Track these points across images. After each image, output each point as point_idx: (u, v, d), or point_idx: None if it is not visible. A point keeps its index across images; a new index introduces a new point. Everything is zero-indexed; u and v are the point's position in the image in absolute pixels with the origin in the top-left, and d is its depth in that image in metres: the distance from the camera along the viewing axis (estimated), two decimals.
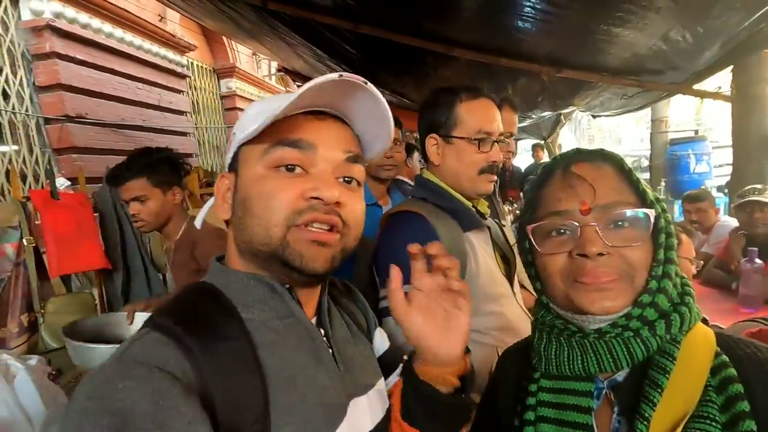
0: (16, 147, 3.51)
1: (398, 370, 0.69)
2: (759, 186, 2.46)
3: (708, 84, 3.18)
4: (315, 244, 0.55)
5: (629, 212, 0.56)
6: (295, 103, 0.52)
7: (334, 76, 0.51)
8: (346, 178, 0.59)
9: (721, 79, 3.08)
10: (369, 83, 0.55)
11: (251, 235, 0.55)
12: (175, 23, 5.26)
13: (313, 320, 0.63)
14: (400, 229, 1.05)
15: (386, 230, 1.08)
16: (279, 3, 2.89)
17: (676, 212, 4.17)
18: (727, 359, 0.52)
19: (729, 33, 2.32)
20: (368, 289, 1.15)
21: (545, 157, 6.65)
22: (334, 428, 0.55)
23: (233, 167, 0.60)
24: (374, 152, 0.65)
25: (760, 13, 2.09)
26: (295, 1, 2.87)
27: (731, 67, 2.83)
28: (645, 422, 0.51)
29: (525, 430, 0.61)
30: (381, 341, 0.75)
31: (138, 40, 4.65)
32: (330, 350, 0.60)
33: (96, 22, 4.05)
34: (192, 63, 6.09)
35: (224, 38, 6.42)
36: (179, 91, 5.43)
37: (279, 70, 7.19)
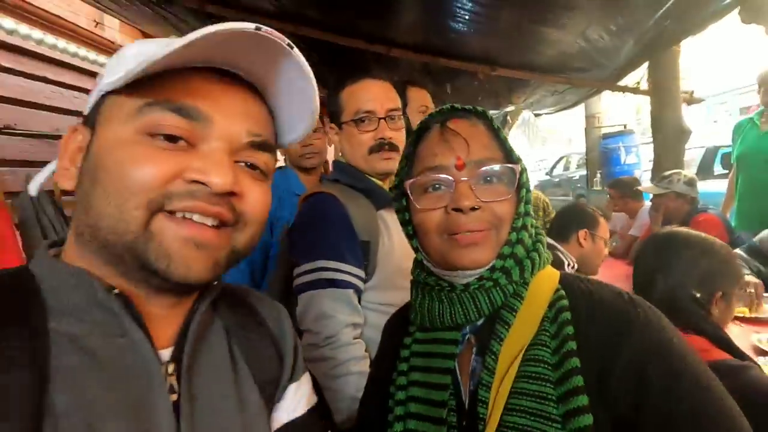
0: None
1: None
2: (678, 170, 2.66)
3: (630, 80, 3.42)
4: (190, 243, 0.41)
5: (498, 167, 0.59)
6: (182, 52, 0.39)
7: (249, 26, 0.40)
8: (248, 164, 0.46)
9: (639, 75, 3.32)
10: (295, 48, 0.43)
11: (98, 217, 0.40)
12: (114, 30, 5.07)
13: (169, 350, 0.44)
14: (313, 209, 1.07)
15: (301, 211, 1.11)
16: (218, 5, 2.87)
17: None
18: (564, 293, 0.58)
19: (639, 30, 2.52)
20: (290, 274, 1.17)
21: None
22: None
23: (91, 121, 0.44)
24: (295, 136, 0.52)
25: (663, 10, 2.28)
26: (234, 4, 2.87)
27: (647, 63, 3.06)
28: (493, 356, 0.56)
29: (397, 381, 0.64)
30: (294, 403, 0.56)
31: (73, 47, 4.44)
32: (176, 395, 0.42)
33: (23, 28, 3.84)
34: None
35: None
36: None
37: None
